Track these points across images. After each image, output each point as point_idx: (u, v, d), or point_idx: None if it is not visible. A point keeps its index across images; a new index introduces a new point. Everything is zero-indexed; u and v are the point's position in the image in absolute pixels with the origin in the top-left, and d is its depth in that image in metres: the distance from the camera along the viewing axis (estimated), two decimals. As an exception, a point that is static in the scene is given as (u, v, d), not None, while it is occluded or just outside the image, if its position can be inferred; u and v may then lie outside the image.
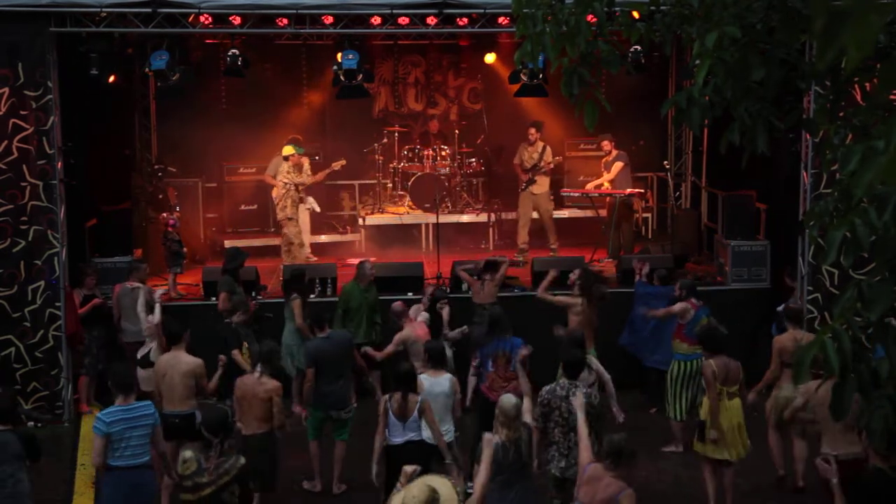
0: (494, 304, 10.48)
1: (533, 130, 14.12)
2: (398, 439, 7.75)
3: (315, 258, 13.75)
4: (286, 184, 13.21)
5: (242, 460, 6.35)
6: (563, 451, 7.37)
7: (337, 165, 13.86)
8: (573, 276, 10.16)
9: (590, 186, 14.37)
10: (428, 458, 7.72)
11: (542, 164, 14.00)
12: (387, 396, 7.85)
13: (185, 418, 8.16)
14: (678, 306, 9.83)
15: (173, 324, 8.93)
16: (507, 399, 6.85)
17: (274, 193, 13.63)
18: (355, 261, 11.34)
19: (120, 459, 6.94)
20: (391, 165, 15.23)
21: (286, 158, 13.30)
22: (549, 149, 14.14)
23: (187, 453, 6.33)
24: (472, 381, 9.37)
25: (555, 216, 14.90)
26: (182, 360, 8.34)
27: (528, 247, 13.92)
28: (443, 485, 5.39)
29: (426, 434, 7.82)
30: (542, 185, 14.13)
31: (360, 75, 12.10)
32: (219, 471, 6.21)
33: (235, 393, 8.16)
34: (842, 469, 6.27)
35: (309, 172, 13.64)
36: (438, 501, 5.22)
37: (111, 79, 12.18)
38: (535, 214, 14.17)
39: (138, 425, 6.98)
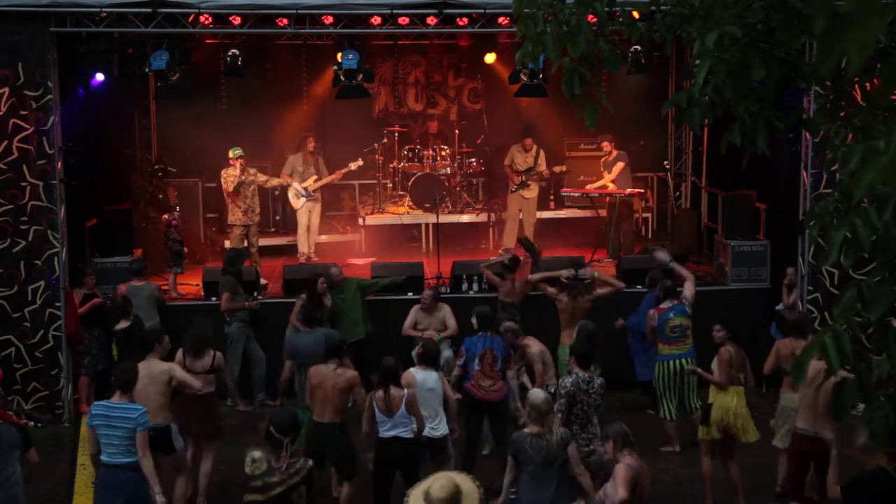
0: (486, 303, 10.46)
1: (529, 140, 14.11)
2: (386, 434, 7.71)
3: (316, 258, 13.75)
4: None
5: (310, 462, 6.30)
6: (581, 444, 7.38)
7: (354, 166, 13.84)
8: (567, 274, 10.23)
9: (591, 188, 14.37)
10: (416, 454, 7.77)
11: (537, 170, 13.95)
12: (371, 393, 7.79)
13: (161, 431, 7.75)
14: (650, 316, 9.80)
15: (147, 330, 8.40)
16: (538, 394, 6.79)
17: (290, 193, 13.74)
18: (356, 261, 11.35)
19: (104, 455, 7.00)
20: (391, 165, 15.22)
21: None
22: (543, 154, 14.12)
23: (256, 453, 6.12)
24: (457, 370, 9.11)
25: (555, 216, 14.91)
26: (157, 369, 7.89)
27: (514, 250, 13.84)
28: (463, 481, 5.38)
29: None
30: (533, 190, 14.12)
31: (360, 75, 12.09)
32: (289, 471, 6.15)
33: (310, 381, 7.96)
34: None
35: (316, 172, 13.65)
36: (461, 496, 5.22)
37: (101, 77, 12.17)
38: (520, 215, 14.17)
39: (116, 426, 6.92)
